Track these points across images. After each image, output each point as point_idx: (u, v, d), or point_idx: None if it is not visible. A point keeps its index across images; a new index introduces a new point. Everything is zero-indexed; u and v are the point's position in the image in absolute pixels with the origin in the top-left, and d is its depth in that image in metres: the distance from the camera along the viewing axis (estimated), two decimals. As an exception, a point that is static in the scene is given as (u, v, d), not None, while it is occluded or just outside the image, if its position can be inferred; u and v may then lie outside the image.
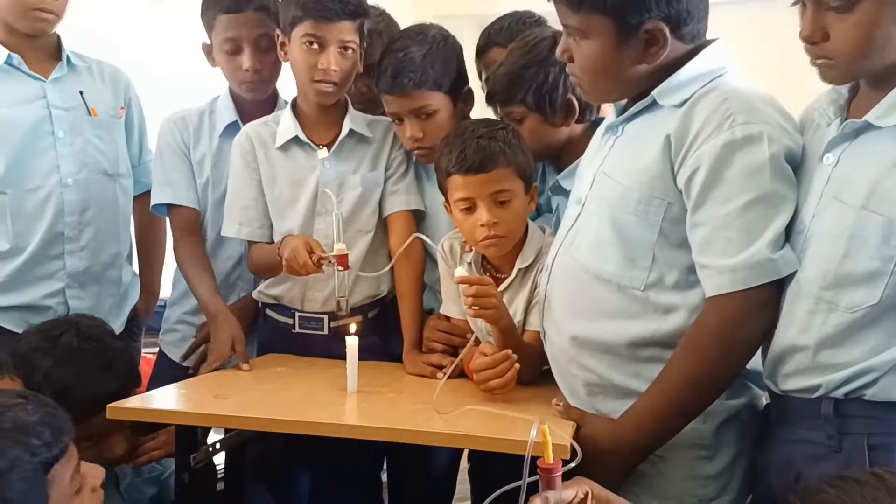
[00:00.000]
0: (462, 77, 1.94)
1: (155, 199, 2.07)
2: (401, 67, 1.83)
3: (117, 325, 2.17)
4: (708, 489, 1.42)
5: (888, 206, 1.19)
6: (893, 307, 1.20)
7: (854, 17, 1.20)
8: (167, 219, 2.14)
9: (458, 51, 1.94)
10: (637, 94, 1.44)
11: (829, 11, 1.22)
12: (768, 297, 1.31)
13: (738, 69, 1.42)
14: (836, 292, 1.23)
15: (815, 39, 1.25)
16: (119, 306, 2.21)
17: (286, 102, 2.02)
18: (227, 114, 2.06)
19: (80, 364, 1.60)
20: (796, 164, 1.35)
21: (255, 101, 2.06)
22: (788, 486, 1.29)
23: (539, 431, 1.01)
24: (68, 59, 2.11)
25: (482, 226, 1.67)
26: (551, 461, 0.99)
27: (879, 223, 1.19)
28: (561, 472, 1.00)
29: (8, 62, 2.02)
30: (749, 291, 1.29)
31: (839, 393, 1.23)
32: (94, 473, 1.20)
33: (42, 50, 2.09)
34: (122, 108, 2.20)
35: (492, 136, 1.68)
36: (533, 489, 1.03)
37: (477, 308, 1.57)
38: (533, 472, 1.02)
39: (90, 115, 2.11)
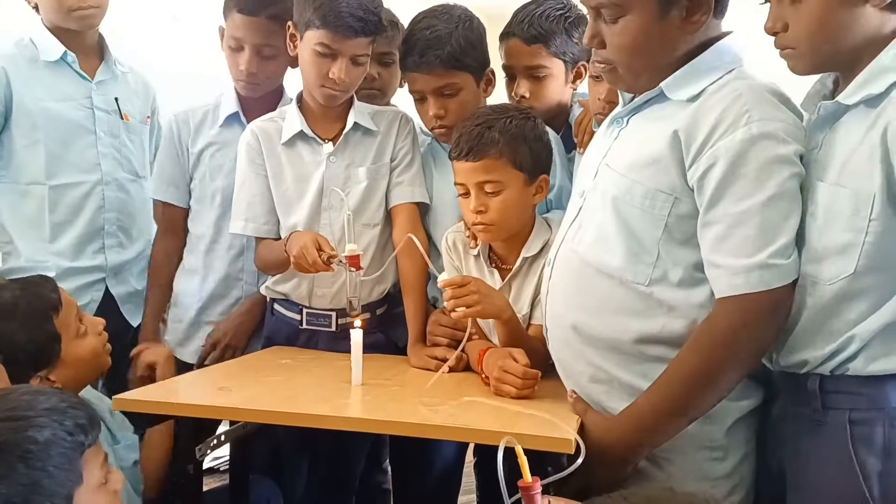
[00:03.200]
0: (485, 58, 1.94)
1: (148, 192, 2.18)
2: (428, 45, 1.84)
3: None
4: (719, 489, 1.40)
5: (855, 180, 1.21)
6: (870, 278, 1.22)
7: (804, 6, 1.26)
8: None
9: (482, 32, 1.93)
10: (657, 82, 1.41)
11: (787, 3, 1.28)
12: (783, 298, 1.28)
13: (751, 65, 1.39)
14: (817, 266, 1.26)
15: (776, 30, 1.31)
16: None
17: (291, 99, 2.01)
18: (230, 105, 2.07)
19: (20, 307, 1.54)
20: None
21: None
22: (782, 460, 1.35)
23: (516, 449, 1.00)
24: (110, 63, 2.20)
25: (471, 211, 1.68)
26: (529, 480, 0.99)
27: (848, 196, 1.22)
28: (540, 491, 0.99)
29: (63, 59, 2.11)
30: (763, 294, 1.27)
31: (825, 369, 1.26)
32: (116, 477, 1.24)
33: (88, 48, 2.17)
34: (148, 116, 2.30)
35: (490, 124, 1.67)
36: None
37: (462, 308, 1.57)
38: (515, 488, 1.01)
39: (122, 119, 2.21)
